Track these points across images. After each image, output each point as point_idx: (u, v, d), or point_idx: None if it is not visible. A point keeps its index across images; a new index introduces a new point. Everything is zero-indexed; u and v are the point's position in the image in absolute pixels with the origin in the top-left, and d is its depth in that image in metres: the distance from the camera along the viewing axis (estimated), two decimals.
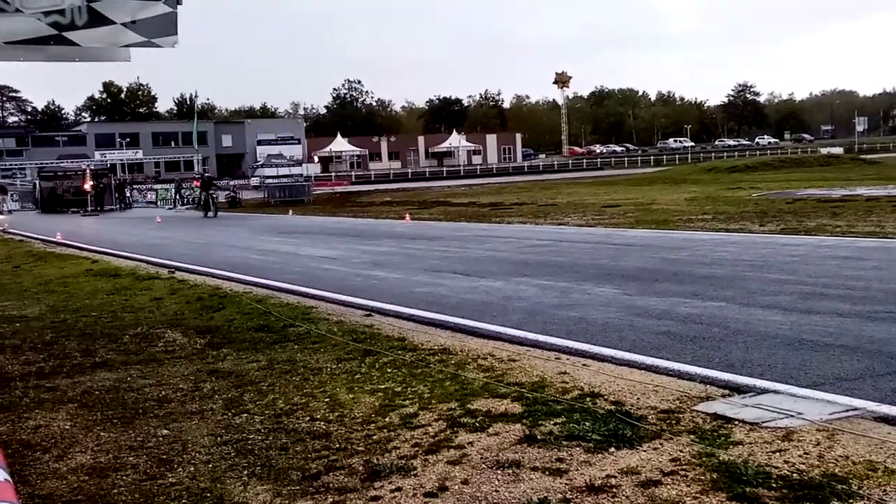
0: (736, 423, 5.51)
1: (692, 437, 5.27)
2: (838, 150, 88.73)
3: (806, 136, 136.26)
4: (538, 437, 5.39)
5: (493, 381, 6.84)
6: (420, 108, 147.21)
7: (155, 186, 62.30)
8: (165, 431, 5.99)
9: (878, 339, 7.83)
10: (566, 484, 4.65)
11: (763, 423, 5.47)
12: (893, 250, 14.59)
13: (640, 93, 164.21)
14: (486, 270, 14.24)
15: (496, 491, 4.64)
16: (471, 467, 4.98)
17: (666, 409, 5.87)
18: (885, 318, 8.74)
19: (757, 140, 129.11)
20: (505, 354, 7.81)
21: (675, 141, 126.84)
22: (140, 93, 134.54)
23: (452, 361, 7.61)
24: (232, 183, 56.88)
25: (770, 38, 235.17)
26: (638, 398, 6.19)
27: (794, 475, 4.57)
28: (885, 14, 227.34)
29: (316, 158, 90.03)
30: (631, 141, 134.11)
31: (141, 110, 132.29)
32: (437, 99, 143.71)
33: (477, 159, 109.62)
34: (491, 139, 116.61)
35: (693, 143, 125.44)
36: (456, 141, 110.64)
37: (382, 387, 6.81)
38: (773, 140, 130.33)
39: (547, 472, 4.82)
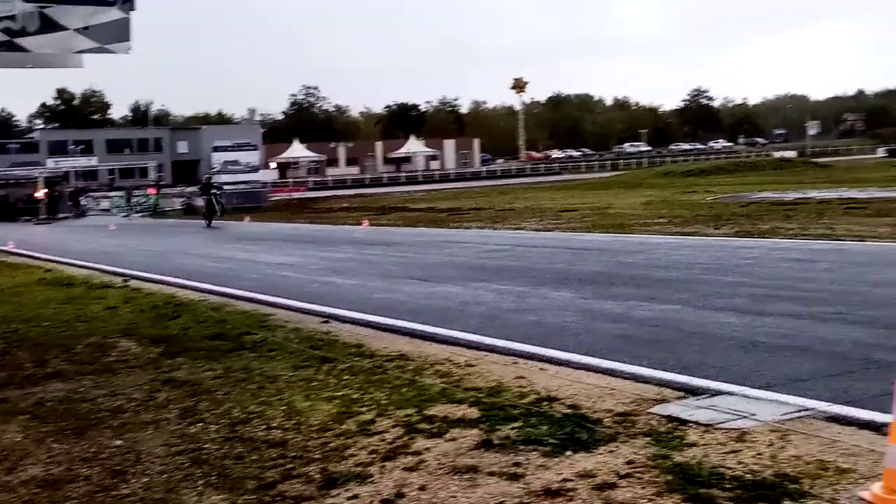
0: (691, 424, 5.56)
1: (648, 439, 5.31)
2: (791, 154, 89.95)
3: (759, 139, 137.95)
4: (495, 441, 5.40)
5: (450, 386, 6.84)
6: (378, 114, 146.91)
7: (109, 194, 61.58)
8: (119, 442, 5.91)
9: (829, 340, 7.95)
10: (523, 488, 4.66)
11: (717, 424, 5.53)
12: (844, 252, 14.83)
13: (597, 98, 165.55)
14: (444, 276, 14.25)
15: (453, 497, 4.63)
16: (428, 473, 4.98)
17: (622, 412, 5.91)
18: (836, 320, 8.88)
19: (711, 144, 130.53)
20: (462, 360, 7.82)
21: (632, 145, 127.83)
22: (94, 99, 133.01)
23: (410, 367, 7.60)
24: (187, 189, 56.37)
25: (724, 44, 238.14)
26: (594, 401, 6.22)
27: (748, 475, 4.62)
28: (836, 21, 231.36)
29: (273, 165, 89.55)
30: (588, 146, 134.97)
31: (94, 117, 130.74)
32: (395, 105, 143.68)
33: (435, 165, 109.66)
34: (449, 144, 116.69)
35: (649, 148, 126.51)
36: (414, 146, 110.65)
37: (339, 394, 6.78)
38: (727, 144, 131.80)
39: (504, 477, 4.82)
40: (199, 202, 37.85)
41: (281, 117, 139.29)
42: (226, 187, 49.19)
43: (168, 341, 9.37)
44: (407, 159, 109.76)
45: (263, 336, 9.31)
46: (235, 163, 49.17)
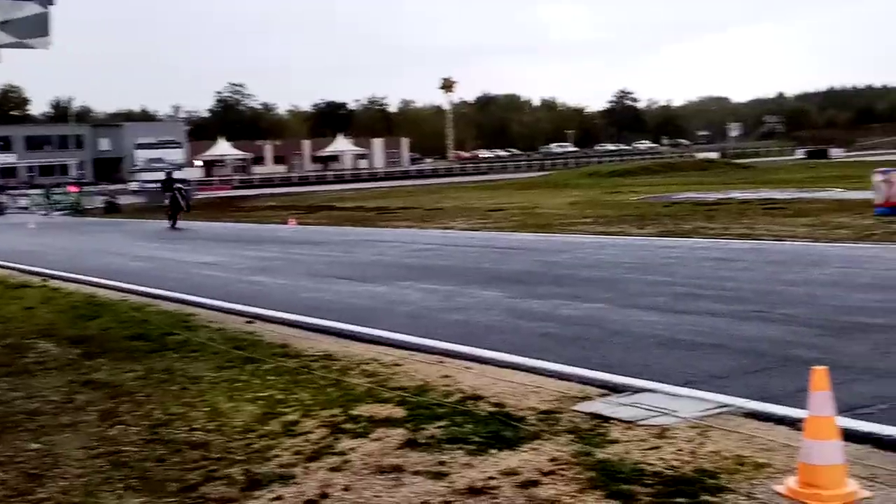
0: (613, 421, 5.64)
1: (571, 436, 5.37)
2: (713, 155, 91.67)
3: (683, 141, 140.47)
4: (420, 441, 5.40)
5: (376, 386, 6.82)
6: (305, 112, 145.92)
7: (28, 192, 60.03)
8: (36, 445, 5.77)
9: (748, 338, 8.12)
10: (447, 487, 4.68)
11: (639, 421, 5.61)
12: (763, 251, 15.17)
13: (525, 99, 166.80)
14: (371, 275, 14.21)
15: (377, 497, 4.62)
16: (353, 473, 4.96)
17: (546, 410, 5.96)
18: (755, 318, 9.07)
19: (636, 145, 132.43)
20: (389, 359, 7.80)
21: (558, 146, 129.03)
22: (12, 95, 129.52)
23: (336, 367, 7.56)
24: (110, 187, 55.27)
25: (649, 47, 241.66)
26: (519, 399, 6.26)
27: (668, 471, 4.70)
28: (757, 25, 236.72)
29: (198, 162, 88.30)
30: (516, 146, 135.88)
31: (13, 113, 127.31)
32: (323, 103, 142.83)
33: (363, 164, 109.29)
34: (377, 143, 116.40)
35: (576, 148, 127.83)
36: (342, 145, 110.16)
37: (264, 394, 6.71)
38: (651, 145, 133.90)
39: (428, 476, 4.83)
40: (155, 200, 35.48)
41: (206, 115, 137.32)
42: (148, 185, 48.37)
43: (88, 342, 9.17)
44: (335, 158, 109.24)
45: (186, 336, 9.17)
46: (159, 160, 48.44)
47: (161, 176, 47.26)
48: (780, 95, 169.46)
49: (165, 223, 30.89)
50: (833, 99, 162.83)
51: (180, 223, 30.74)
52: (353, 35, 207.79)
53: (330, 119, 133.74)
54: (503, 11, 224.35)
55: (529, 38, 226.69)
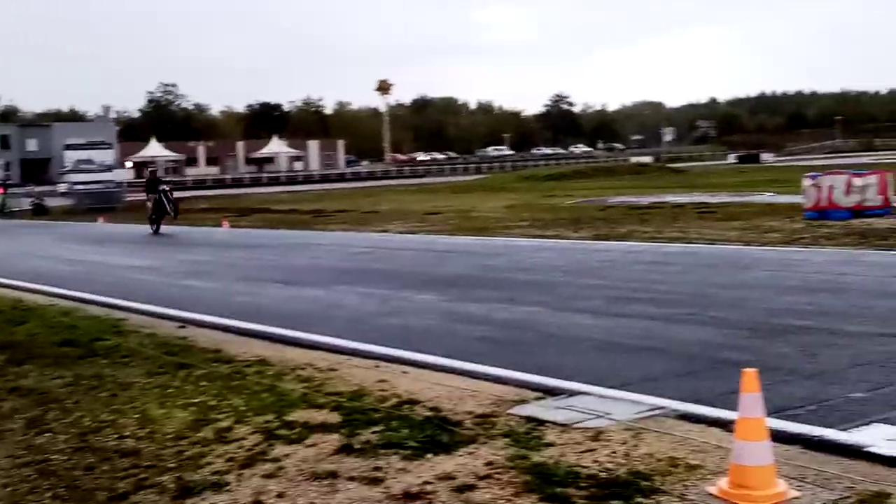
0: (549, 425, 5.66)
1: (507, 440, 5.37)
2: (647, 159, 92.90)
3: (617, 145, 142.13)
4: (356, 446, 5.36)
5: (311, 391, 6.76)
6: (239, 113, 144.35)
7: None
8: None
9: (680, 341, 8.23)
10: (383, 492, 4.65)
11: (574, 424, 5.64)
12: (696, 254, 15.40)
13: (461, 102, 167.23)
14: (307, 279, 14.11)
15: (312, 503, 4.58)
16: (287, 480, 4.90)
17: (482, 414, 5.96)
18: (688, 320, 9.20)
19: (572, 149, 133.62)
20: (325, 364, 7.74)
21: (495, 149, 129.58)
22: None
23: (270, 373, 7.47)
24: (37, 189, 54.01)
25: (584, 52, 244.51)
26: (455, 403, 6.25)
27: (602, 474, 4.73)
28: (690, 31, 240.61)
29: (129, 164, 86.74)
30: (452, 149, 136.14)
31: None
32: (258, 104, 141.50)
33: (299, 165, 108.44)
34: (313, 145, 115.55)
35: (512, 152, 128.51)
36: (277, 147, 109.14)
37: (196, 401, 6.61)
38: (587, 149, 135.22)
39: (364, 482, 4.80)
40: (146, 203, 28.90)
41: (137, 115, 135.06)
42: (77, 187, 47.28)
43: (14, 348, 8.95)
44: (269, 160, 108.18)
45: (116, 342, 9.00)
46: (89, 161, 47.30)
47: (88, 178, 46.35)
48: (713, 101, 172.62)
49: (96, 224, 30.12)
50: (764, 104, 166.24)
51: (165, 228, 27.79)
52: (288, 36, 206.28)
53: (264, 120, 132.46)
54: (439, 14, 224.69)
55: (466, 41, 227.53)
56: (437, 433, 5.51)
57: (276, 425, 5.87)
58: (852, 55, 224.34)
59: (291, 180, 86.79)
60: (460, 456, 5.13)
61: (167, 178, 35.70)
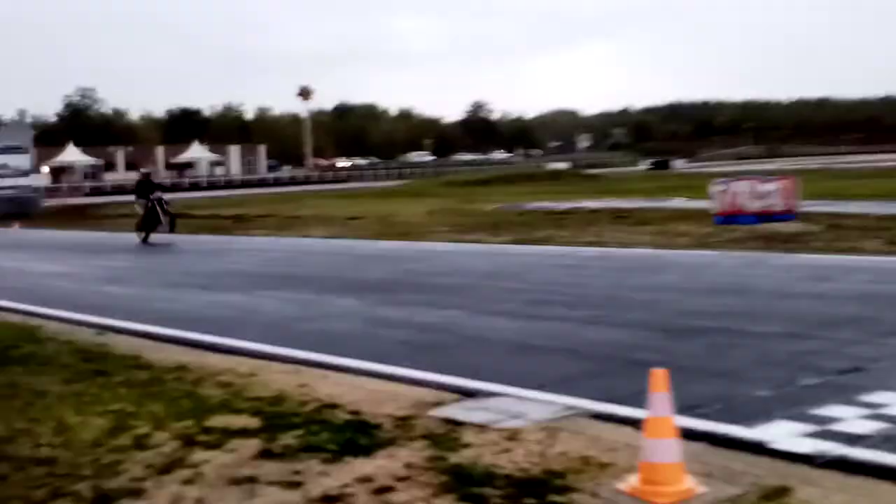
0: (466, 426, 5.77)
1: (426, 442, 5.47)
2: (564, 166, 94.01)
3: (535, 151, 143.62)
4: (275, 451, 5.40)
5: (231, 396, 6.76)
6: (159, 118, 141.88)
7: None
8: None
9: (594, 342, 8.44)
10: (302, 496, 4.70)
11: (491, 425, 5.77)
12: (610, 258, 15.73)
13: (382, 108, 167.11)
14: (227, 284, 14.02)
15: None
16: (206, 485, 4.92)
17: (402, 416, 6.05)
18: (602, 322, 9.43)
19: (491, 155, 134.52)
20: (245, 369, 7.73)
21: (417, 155, 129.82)
22: None
23: (190, 378, 7.44)
24: None
25: (503, 60, 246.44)
26: (376, 407, 6.32)
27: (518, 473, 4.86)
28: (604, 42, 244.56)
29: (45, 169, 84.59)
30: (374, 155, 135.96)
31: None
32: (178, 109, 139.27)
33: (220, 171, 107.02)
34: (234, 150, 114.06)
35: (434, 158, 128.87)
36: (197, 152, 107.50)
37: (114, 408, 6.55)
38: (506, 155, 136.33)
39: (283, 486, 4.84)
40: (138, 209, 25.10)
41: (54, 119, 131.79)
42: None
43: None
44: (190, 165, 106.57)
45: (32, 350, 8.84)
46: (4, 167, 46.02)
47: (3, 183, 44.95)
48: (626, 109, 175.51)
49: (11, 230, 28.88)
50: (676, 113, 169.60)
51: (160, 237, 23.95)
52: (209, 42, 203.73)
53: (184, 125, 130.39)
54: (360, 21, 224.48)
55: (387, 49, 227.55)
56: (356, 436, 5.58)
57: (195, 431, 5.87)
58: (759, 65, 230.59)
59: (213, 185, 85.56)
60: (379, 458, 5.20)
61: (160, 182, 31.05)
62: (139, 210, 24.65)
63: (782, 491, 4.49)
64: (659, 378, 4.59)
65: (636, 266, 14.55)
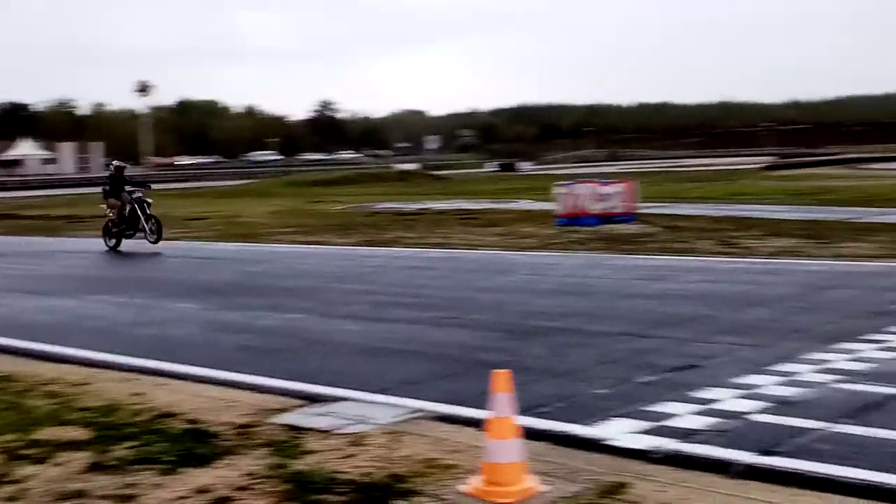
0: (309, 432, 5.65)
1: (267, 449, 5.33)
2: (413, 167, 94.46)
3: (383, 152, 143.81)
4: (107, 463, 5.14)
5: (60, 407, 6.42)
6: None
7: None
8: None
9: (440, 344, 8.45)
10: None
11: (335, 430, 5.67)
12: (457, 259, 15.85)
13: (225, 105, 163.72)
14: (59, 288, 13.37)
15: None
16: (32, 502, 4.63)
17: (243, 424, 5.88)
18: (448, 324, 9.46)
19: (338, 155, 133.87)
20: (76, 378, 7.37)
21: (262, 154, 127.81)
22: None
23: (14, 389, 7.03)
24: None
25: (350, 59, 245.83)
26: (215, 415, 6.13)
27: (361, 479, 4.78)
28: (451, 43, 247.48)
29: None
30: (218, 153, 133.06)
31: None
32: (7, 103, 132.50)
33: (52, 169, 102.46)
34: (67, 148, 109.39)
35: (280, 157, 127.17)
36: (26, 149, 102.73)
37: None
38: (354, 155, 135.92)
39: (115, 500, 4.61)
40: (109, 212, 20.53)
41: None
42: None
43: None
44: (18, 163, 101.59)
45: None
46: None
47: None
48: (474, 111, 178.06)
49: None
50: (522, 115, 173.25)
51: (132, 245, 19.92)
52: (41, 34, 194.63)
53: (12, 121, 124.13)
54: (201, 16, 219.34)
55: (231, 45, 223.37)
56: (194, 446, 5.38)
57: (21, 445, 5.53)
58: (602, 70, 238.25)
59: (44, 184, 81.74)
60: (218, 468, 5.03)
61: (139, 179, 25.17)
62: (108, 212, 20.46)
63: (619, 487, 4.59)
64: (501, 379, 4.61)
65: (483, 267, 14.71)
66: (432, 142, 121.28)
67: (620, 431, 5.48)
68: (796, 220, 21.02)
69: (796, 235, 17.49)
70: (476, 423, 5.57)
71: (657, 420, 5.66)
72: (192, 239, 22.29)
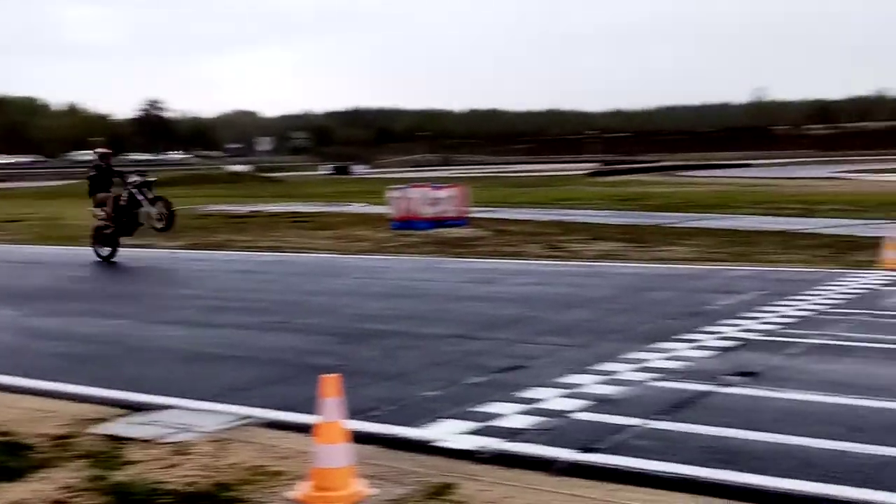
0: (131, 442, 5.47)
1: (86, 461, 5.12)
2: (245, 168, 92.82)
3: (214, 153, 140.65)
4: None
5: None
6: None
7: None
8: None
9: (270, 349, 8.34)
10: None
11: (159, 439, 5.51)
12: (289, 263, 15.69)
13: (45, 102, 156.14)
14: None
15: None
16: None
17: (60, 435, 5.63)
18: (279, 328, 9.35)
19: (167, 156, 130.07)
20: None
21: (86, 154, 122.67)
22: None
23: None
24: None
25: (179, 59, 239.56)
26: (30, 426, 5.84)
27: (185, 488, 4.66)
28: (285, 44, 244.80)
29: None
30: (38, 152, 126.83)
31: None
32: None
33: None
34: None
35: None
36: None
37: None
38: (183, 156, 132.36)
39: None
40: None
41: None
42: None
43: None
44: None
45: None
46: None
47: None
48: (308, 113, 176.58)
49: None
50: (357, 118, 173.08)
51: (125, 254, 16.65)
52: None
53: None
54: (18, 9, 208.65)
55: (51, 39, 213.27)
56: (6, 459, 5.11)
57: None
58: (435, 76, 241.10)
59: None
60: (33, 482, 4.81)
61: (130, 169, 20.98)
62: (97, 212, 16.51)
63: (446, 487, 4.65)
64: (329, 383, 4.59)
65: (315, 271, 14.62)
66: (265, 143, 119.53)
67: (449, 432, 5.56)
68: (618, 224, 21.88)
69: (618, 239, 18.20)
70: (306, 429, 5.53)
71: (484, 420, 5.78)
72: (8, 242, 21.17)
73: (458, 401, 6.27)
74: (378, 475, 4.82)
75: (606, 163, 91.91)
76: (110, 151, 17.58)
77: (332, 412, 4.56)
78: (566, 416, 5.86)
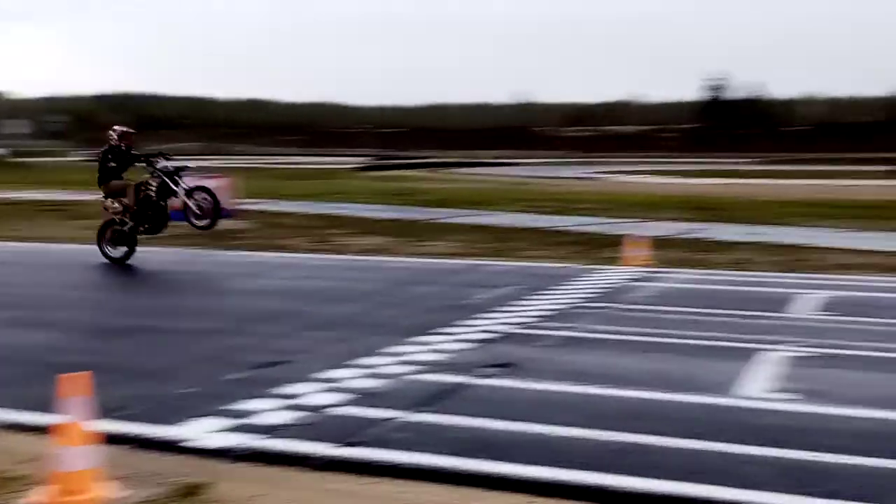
0: None
1: None
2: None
3: None
4: None
5: None
6: None
7: None
8: None
9: (16, 346, 7.89)
10: None
11: None
12: (38, 254, 14.83)
13: None
14: None
15: None
16: None
17: None
18: (26, 324, 8.84)
19: None
20: None
21: None
22: None
23: None
24: None
25: None
26: None
27: None
28: (40, 24, 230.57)
29: None
30: None
31: None
32: None
33: None
34: None
35: None
36: None
37: None
38: None
39: None
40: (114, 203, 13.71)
41: None
42: None
43: None
44: None
45: None
46: None
47: None
48: (70, 96, 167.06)
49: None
50: (121, 104, 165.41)
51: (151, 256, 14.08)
52: None
53: None
54: None
55: None
56: None
57: None
58: (205, 63, 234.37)
59: None
60: None
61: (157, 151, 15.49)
62: (111, 204, 13.70)
63: (199, 487, 4.56)
64: (70, 382, 4.39)
65: (69, 262, 13.89)
66: (18, 126, 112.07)
67: (205, 431, 5.45)
68: (385, 219, 22.10)
69: (385, 234, 18.42)
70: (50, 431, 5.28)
71: (242, 417, 5.70)
72: None
73: (215, 398, 6.15)
74: (128, 476, 4.66)
75: (378, 157, 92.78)
76: (133, 131, 14.39)
77: (75, 412, 4.36)
78: (325, 411, 5.87)
